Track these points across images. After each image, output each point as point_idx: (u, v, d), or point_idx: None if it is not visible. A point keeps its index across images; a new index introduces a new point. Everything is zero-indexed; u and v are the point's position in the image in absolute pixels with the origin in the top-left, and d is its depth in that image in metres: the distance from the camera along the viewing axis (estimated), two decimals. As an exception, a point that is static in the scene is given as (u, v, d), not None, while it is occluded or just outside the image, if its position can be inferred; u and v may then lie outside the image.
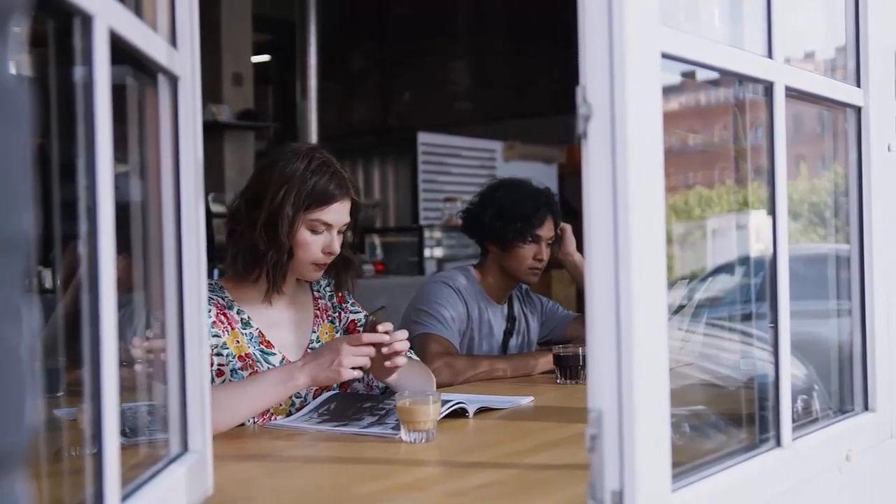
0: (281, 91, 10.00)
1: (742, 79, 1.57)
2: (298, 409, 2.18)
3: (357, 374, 2.02)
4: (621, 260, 1.15)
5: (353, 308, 2.47)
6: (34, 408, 0.58)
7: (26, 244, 0.56)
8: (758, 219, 1.97)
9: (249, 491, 1.60)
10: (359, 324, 2.45)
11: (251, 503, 1.54)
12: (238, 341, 2.19)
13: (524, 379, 2.77)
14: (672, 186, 1.26)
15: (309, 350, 2.31)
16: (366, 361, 2.03)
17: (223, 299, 2.23)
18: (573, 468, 1.64)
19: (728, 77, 1.61)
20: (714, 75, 1.58)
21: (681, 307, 2.17)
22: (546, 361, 2.80)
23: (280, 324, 2.30)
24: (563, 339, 3.08)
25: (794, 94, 1.57)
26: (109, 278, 1.00)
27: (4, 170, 0.54)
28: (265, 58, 10.14)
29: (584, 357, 2.62)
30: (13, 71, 0.57)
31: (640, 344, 1.15)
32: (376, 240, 7.83)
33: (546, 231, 2.97)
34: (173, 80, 1.33)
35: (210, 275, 3.25)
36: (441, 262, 7.42)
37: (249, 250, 2.20)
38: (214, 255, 3.20)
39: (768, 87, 1.51)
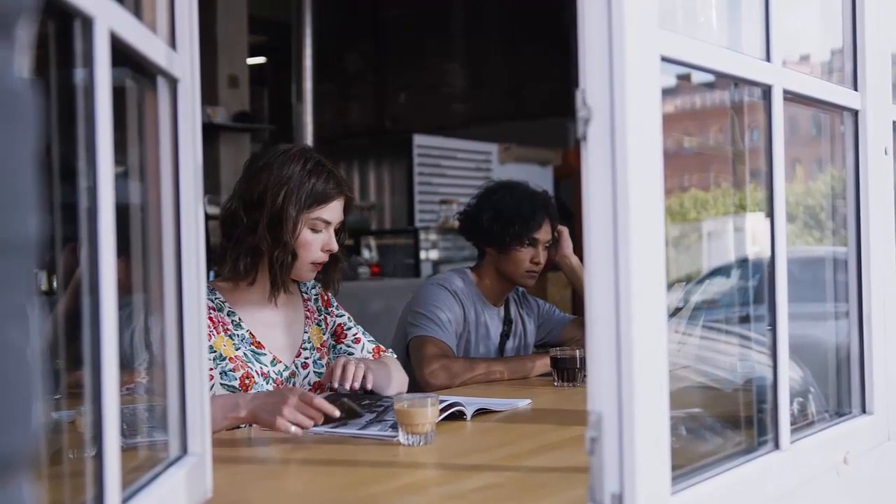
0: (276, 93, 9.99)
1: (741, 82, 1.57)
2: None
3: (293, 429, 1.89)
4: (621, 262, 1.15)
5: (337, 312, 2.51)
6: (40, 410, 0.58)
7: (31, 247, 0.56)
8: (754, 221, 1.98)
9: (248, 494, 1.60)
10: (345, 327, 2.46)
11: (249, 506, 1.54)
12: (225, 344, 2.19)
13: (521, 381, 2.77)
14: (667, 189, 1.26)
15: (302, 350, 2.33)
16: (306, 422, 1.91)
17: (213, 301, 2.23)
18: (572, 471, 1.64)
19: (727, 80, 1.61)
20: (709, 78, 1.58)
21: (677, 310, 2.17)
22: (543, 364, 2.80)
23: (272, 325, 2.31)
24: (559, 341, 3.08)
25: (791, 97, 1.58)
26: (110, 280, 1.00)
27: (10, 172, 0.54)
28: (260, 59, 10.14)
29: (581, 359, 2.63)
30: (20, 74, 0.57)
31: (639, 347, 1.15)
32: (372, 242, 7.82)
33: (543, 234, 2.97)
34: (173, 83, 1.33)
35: (206, 276, 3.25)
36: (436, 265, 7.42)
37: (251, 253, 2.21)
38: (210, 256, 3.20)
39: (766, 91, 1.52)
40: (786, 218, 1.55)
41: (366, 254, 7.59)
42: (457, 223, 3.24)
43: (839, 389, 1.86)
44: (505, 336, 3.08)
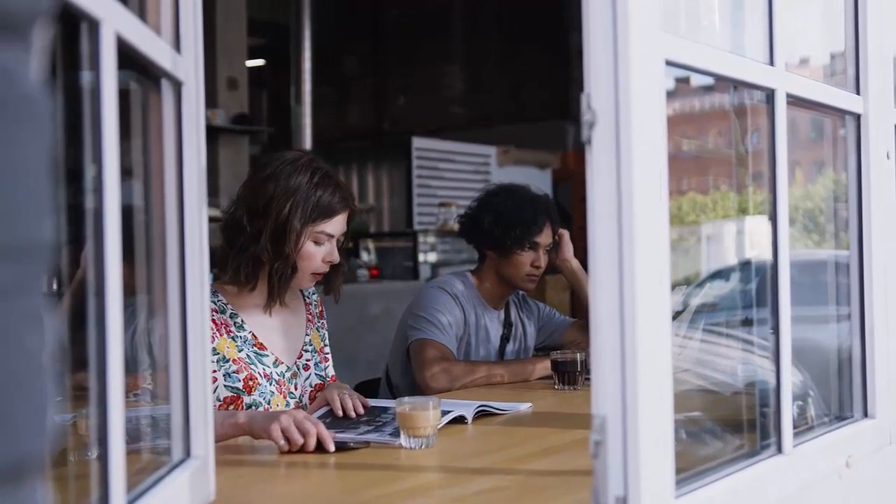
0: (275, 95, 10.00)
1: (744, 86, 1.57)
2: None
3: (282, 443, 1.84)
4: (625, 266, 1.15)
5: (325, 325, 2.50)
6: (55, 414, 0.58)
7: (45, 250, 0.57)
8: (753, 224, 1.98)
9: (250, 497, 1.60)
10: (325, 343, 2.47)
11: (252, 509, 1.54)
12: (228, 346, 2.20)
13: (522, 384, 2.77)
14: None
15: (303, 352, 2.34)
16: (297, 439, 1.84)
17: (216, 303, 2.24)
18: (574, 474, 1.64)
19: (725, 83, 1.61)
20: (708, 81, 1.58)
21: (677, 313, 2.17)
22: (544, 367, 2.80)
23: (274, 328, 2.32)
24: (560, 344, 3.07)
25: (794, 101, 1.58)
26: (116, 282, 1.00)
27: (26, 177, 0.54)
28: (259, 62, 10.14)
29: (581, 363, 2.63)
30: (35, 78, 0.57)
31: (643, 350, 1.15)
32: (370, 244, 7.82)
33: (544, 238, 2.96)
34: (177, 85, 1.33)
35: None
36: (435, 267, 7.41)
37: (252, 261, 2.21)
38: (210, 259, 3.20)
39: (770, 95, 1.52)
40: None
41: (364, 256, 7.59)
42: (457, 226, 3.23)
43: (841, 393, 1.86)
44: (505, 339, 3.08)
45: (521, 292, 3.14)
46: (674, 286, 2.24)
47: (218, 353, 2.17)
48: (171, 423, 1.34)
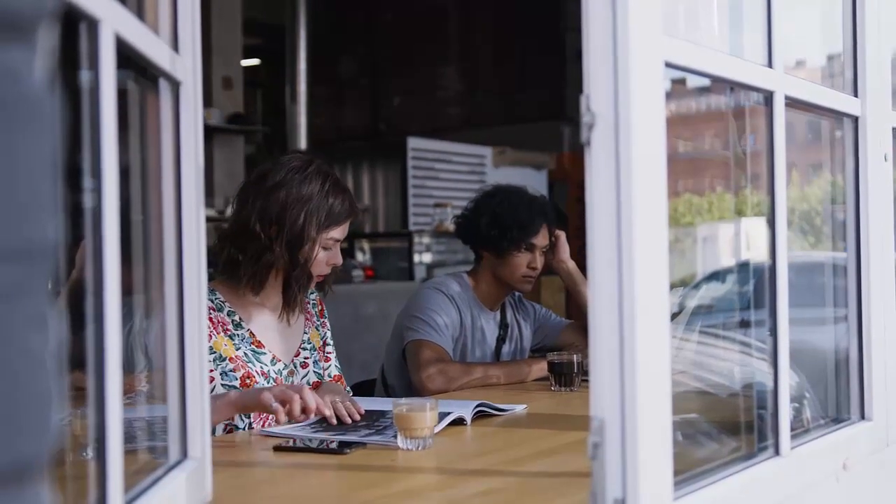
0: (270, 95, 9.99)
1: (743, 88, 1.57)
2: None
3: (275, 404, 1.92)
4: (624, 268, 1.15)
5: (328, 323, 2.53)
6: (58, 416, 0.58)
7: (50, 252, 0.56)
8: (749, 226, 1.98)
9: (247, 498, 1.60)
10: (327, 342, 2.49)
11: (249, 510, 1.53)
12: (226, 344, 2.20)
13: (518, 386, 2.77)
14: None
15: (301, 350, 2.35)
16: (291, 395, 1.94)
17: (213, 301, 2.24)
18: (572, 476, 1.64)
19: (722, 85, 1.61)
20: (705, 82, 1.58)
21: (674, 315, 2.18)
22: (540, 368, 2.80)
23: (272, 326, 2.32)
24: (555, 345, 3.08)
25: (793, 103, 1.58)
26: (114, 282, 0.99)
27: (33, 178, 0.54)
28: (255, 61, 10.13)
29: (578, 364, 2.63)
30: (40, 78, 0.57)
31: (642, 352, 1.15)
32: (365, 245, 7.81)
33: (541, 240, 2.96)
34: (175, 85, 1.33)
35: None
36: (430, 268, 7.41)
37: (267, 268, 2.23)
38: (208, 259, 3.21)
39: (768, 97, 1.52)
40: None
41: (359, 257, 7.58)
42: (452, 226, 3.23)
43: (838, 395, 1.86)
44: (501, 340, 3.07)
45: (517, 293, 3.14)
46: (670, 288, 2.24)
47: (214, 352, 2.18)
48: (168, 423, 1.34)
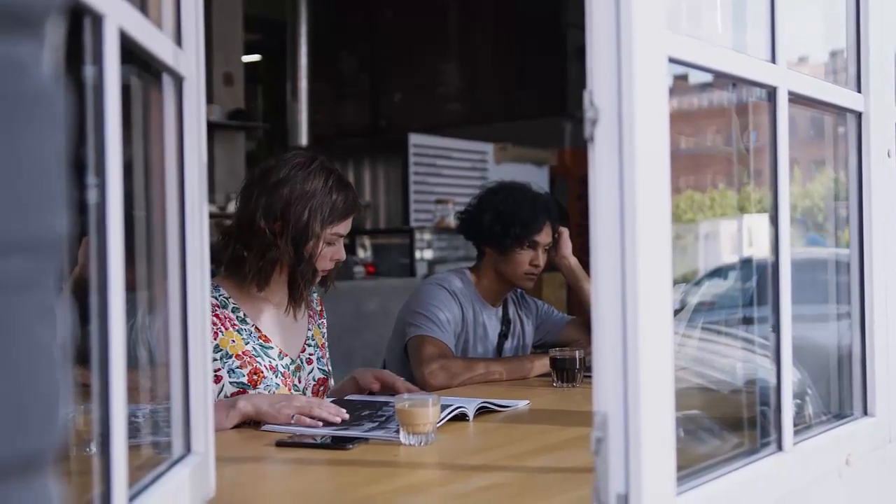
0: (271, 91, 9.99)
1: (746, 83, 1.57)
2: None
3: (295, 419, 2.02)
4: (627, 263, 1.15)
5: (326, 322, 2.55)
6: (66, 409, 0.58)
7: (59, 245, 0.56)
8: (751, 223, 1.98)
9: (250, 493, 1.60)
10: (325, 339, 2.50)
11: (252, 505, 1.53)
12: (234, 340, 2.21)
13: (520, 382, 2.77)
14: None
15: (306, 346, 2.35)
16: (305, 412, 2.03)
17: (217, 298, 2.24)
18: (575, 471, 1.64)
19: (724, 81, 1.61)
20: (707, 78, 1.58)
21: (676, 311, 2.17)
22: (542, 364, 2.80)
23: (277, 322, 2.33)
24: (557, 342, 3.08)
25: (796, 98, 1.58)
26: (118, 276, 0.99)
27: (41, 171, 0.54)
28: (256, 57, 10.13)
29: (580, 360, 2.63)
30: (49, 72, 0.57)
31: (645, 347, 1.15)
32: (367, 241, 7.82)
33: (544, 237, 2.96)
34: (178, 80, 1.33)
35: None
36: (432, 264, 7.41)
37: (272, 264, 2.23)
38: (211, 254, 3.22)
39: (771, 92, 1.52)
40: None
41: (361, 253, 7.58)
42: (454, 223, 3.23)
43: (841, 391, 1.86)
44: (503, 336, 3.07)
45: (519, 290, 3.14)
46: (672, 284, 2.23)
47: (221, 350, 2.18)
48: (172, 418, 1.34)
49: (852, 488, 1.71)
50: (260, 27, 9.17)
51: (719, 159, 2.14)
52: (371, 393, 2.44)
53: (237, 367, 2.19)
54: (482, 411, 2.19)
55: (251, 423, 2.09)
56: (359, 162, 8.97)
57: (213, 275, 2.40)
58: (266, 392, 2.20)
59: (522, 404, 2.34)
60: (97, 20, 0.98)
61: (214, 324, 2.20)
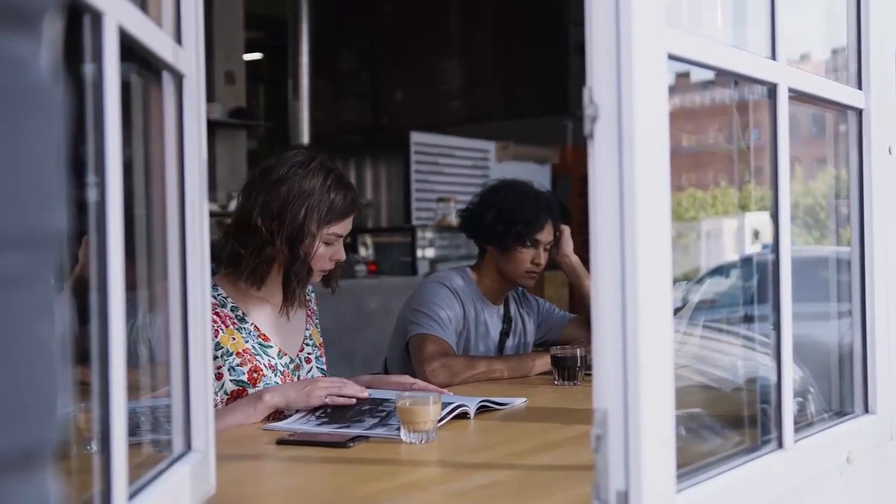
0: (272, 89, 9.99)
1: (746, 80, 1.57)
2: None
3: (328, 399, 2.10)
4: (627, 260, 1.15)
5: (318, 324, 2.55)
6: (65, 403, 0.58)
7: (57, 241, 0.57)
8: (753, 221, 1.98)
9: (251, 490, 1.60)
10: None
11: (252, 503, 1.53)
12: (234, 338, 2.21)
13: (522, 380, 2.77)
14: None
15: (305, 345, 2.36)
16: (335, 392, 2.11)
17: (216, 297, 2.25)
18: (575, 469, 1.64)
19: (726, 79, 1.61)
20: (709, 76, 1.58)
21: (677, 309, 2.17)
22: (543, 362, 2.80)
23: (276, 321, 2.33)
24: (559, 340, 3.08)
25: (796, 95, 1.58)
26: (118, 273, 1.00)
27: (39, 167, 0.54)
28: (257, 56, 10.13)
29: (581, 358, 2.63)
30: (46, 68, 0.57)
31: (645, 344, 1.15)
32: (368, 240, 7.82)
33: (545, 236, 2.96)
34: (178, 78, 1.33)
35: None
36: (433, 263, 7.41)
37: (267, 263, 2.23)
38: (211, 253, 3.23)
39: (772, 89, 1.52)
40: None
41: (362, 252, 7.58)
42: (456, 220, 3.23)
43: (842, 389, 1.86)
44: (504, 335, 3.07)
45: (520, 288, 3.14)
46: (673, 282, 2.23)
47: (222, 347, 2.19)
48: (172, 416, 1.34)
49: (853, 486, 1.71)
50: (261, 25, 9.16)
51: (722, 157, 2.14)
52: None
53: (237, 365, 2.20)
54: (481, 409, 2.19)
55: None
56: (360, 160, 8.97)
57: (213, 273, 2.41)
58: None
59: (520, 402, 2.33)
60: (97, 17, 0.98)
61: (214, 322, 2.20)
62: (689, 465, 1.32)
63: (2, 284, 0.52)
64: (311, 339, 2.42)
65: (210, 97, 7.34)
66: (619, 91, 1.15)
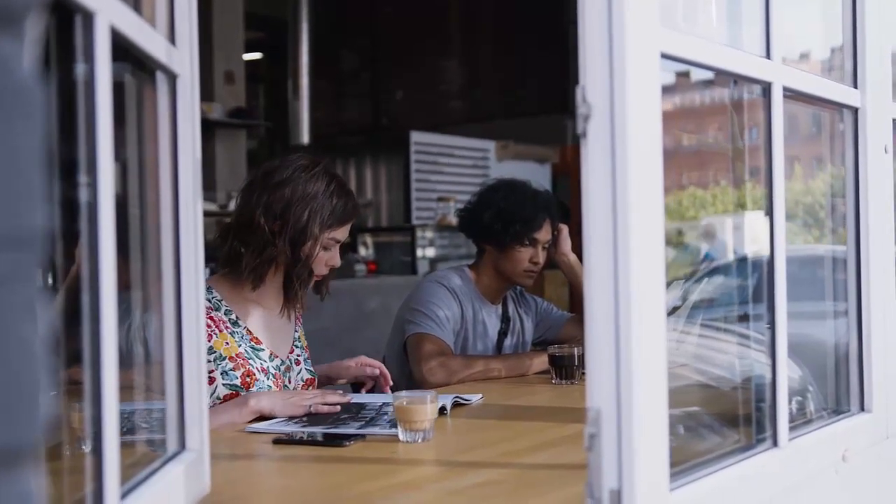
0: (272, 89, 9.99)
1: (740, 79, 1.57)
2: None
3: (306, 409, 2.12)
4: (620, 259, 1.15)
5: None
6: (47, 403, 0.58)
7: (39, 240, 0.57)
8: (752, 220, 1.98)
9: (245, 489, 1.60)
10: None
11: (247, 502, 1.53)
12: (228, 342, 2.22)
13: (519, 379, 2.77)
14: (666, 187, 1.26)
15: (294, 347, 2.38)
16: (318, 401, 2.15)
17: (210, 300, 2.25)
18: (571, 468, 1.64)
19: (726, 77, 1.61)
20: (709, 75, 1.58)
21: (675, 308, 2.17)
22: (541, 362, 2.80)
23: (267, 324, 2.35)
24: (557, 339, 3.08)
25: (791, 94, 1.58)
26: (110, 277, 1.00)
27: (20, 166, 0.54)
28: (257, 55, 10.13)
29: (579, 357, 2.63)
30: (28, 69, 0.57)
31: (638, 343, 1.15)
32: (368, 239, 7.82)
33: (544, 235, 2.96)
34: (172, 78, 1.33)
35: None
36: (433, 262, 7.41)
37: (267, 264, 2.24)
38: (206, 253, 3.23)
39: (766, 88, 1.52)
40: (785, 216, 1.54)
41: (362, 251, 7.59)
42: (455, 220, 3.23)
43: (838, 387, 1.86)
44: (503, 334, 3.07)
45: (518, 287, 3.14)
46: (672, 281, 2.24)
47: (215, 352, 2.20)
48: (167, 415, 1.34)
49: (849, 484, 1.71)
50: (261, 25, 9.17)
51: (721, 156, 2.14)
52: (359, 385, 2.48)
53: (230, 370, 2.21)
54: (483, 408, 2.21)
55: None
56: (360, 160, 8.97)
57: (211, 272, 2.41)
58: None
59: (476, 398, 2.34)
60: (88, 17, 0.98)
61: (209, 326, 2.20)
62: (684, 463, 1.32)
63: None
64: (299, 342, 2.44)
65: (210, 97, 7.35)
66: (612, 90, 1.16)
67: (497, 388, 2.54)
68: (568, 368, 2.64)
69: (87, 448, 1.09)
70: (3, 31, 0.55)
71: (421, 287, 2.98)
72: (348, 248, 7.16)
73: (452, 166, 8.38)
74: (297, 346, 2.42)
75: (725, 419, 1.69)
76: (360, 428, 1.97)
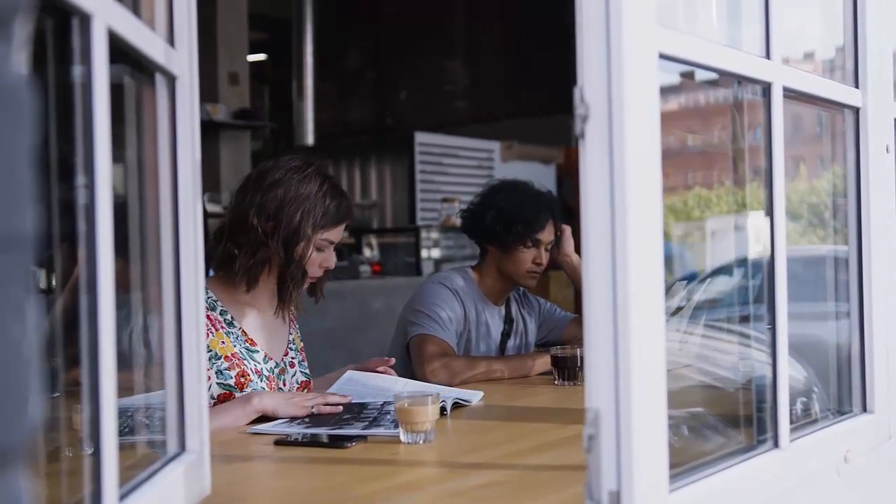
0: (277, 90, 9.99)
1: (740, 79, 1.56)
2: None
3: (315, 410, 2.13)
4: (618, 260, 1.15)
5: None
6: (36, 405, 0.58)
7: (29, 242, 0.57)
8: (756, 220, 1.97)
9: (246, 491, 1.60)
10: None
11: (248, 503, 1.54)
12: (223, 342, 2.23)
13: (522, 380, 2.77)
14: (671, 187, 1.26)
15: (289, 350, 2.40)
16: (320, 402, 2.15)
17: (206, 300, 2.26)
18: (571, 469, 1.64)
19: (726, 78, 1.61)
20: (712, 76, 1.58)
21: (679, 308, 2.17)
22: (544, 362, 2.80)
23: (262, 326, 2.36)
24: (560, 340, 3.07)
25: (791, 94, 1.57)
26: (108, 279, 1.00)
27: (8, 168, 0.54)
28: (261, 56, 10.13)
29: (581, 358, 2.62)
30: (17, 71, 0.57)
31: (637, 344, 1.15)
32: (373, 240, 7.81)
33: (546, 235, 2.96)
34: (171, 80, 1.33)
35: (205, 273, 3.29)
36: (438, 263, 7.40)
37: (261, 264, 2.24)
38: (208, 254, 3.23)
39: (766, 88, 1.51)
40: (787, 217, 1.54)
41: (367, 252, 7.58)
42: (459, 221, 3.23)
43: (840, 388, 1.85)
44: (506, 335, 3.07)
45: (521, 288, 3.14)
46: (676, 282, 2.23)
47: (211, 351, 2.20)
48: (167, 416, 1.34)
49: (851, 485, 1.71)
50: (265, 26, 9.17)
51: (726, 156, 2.14)
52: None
53: (225, 369, 2.22)
54: (484, 409, 2.20)
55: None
56: (365, 160, 8.97)
57: (208, 273, 2.41)
58: None
59: (477, 397, 2.34)
60: (85, 20, 0.99)
61: (205, 325, 2.21)
62: (684, 464, 1.31)
63: None
64: (294, 344, 2.45)
65: (214, 98, 7.35)
66: (610, 91, 1.15)
67: (499, 389, 2.54)
68: (570, 369, 2.64)
69: (89, 450, 1.10)
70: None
71: (424, 288, 2.97)
72: (353, 250, 7.16)
73: (457, 167, 8.38)
74: (291, 349, 2.43)
75: (727, 420, 1.69)
76: (363, 428, 1.97)
